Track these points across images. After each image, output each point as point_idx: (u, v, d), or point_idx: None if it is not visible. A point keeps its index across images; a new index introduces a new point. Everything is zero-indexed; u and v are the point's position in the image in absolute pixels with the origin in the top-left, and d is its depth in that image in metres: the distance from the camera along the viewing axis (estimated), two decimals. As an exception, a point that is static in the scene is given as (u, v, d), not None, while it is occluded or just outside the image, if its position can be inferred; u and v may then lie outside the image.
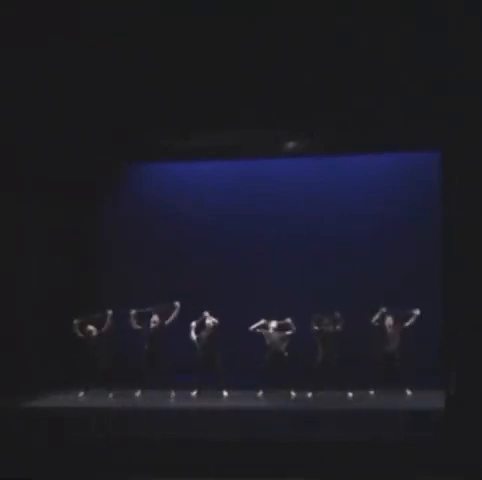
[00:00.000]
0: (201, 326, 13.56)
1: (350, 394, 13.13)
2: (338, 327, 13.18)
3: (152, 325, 13.62)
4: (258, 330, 13.45)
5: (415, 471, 8.92)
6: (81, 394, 13.67)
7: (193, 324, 13.49)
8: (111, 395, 13.55)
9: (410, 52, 10.98)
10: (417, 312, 13.05)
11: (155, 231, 15.85)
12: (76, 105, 12.17)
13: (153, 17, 11.11)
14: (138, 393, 13.59)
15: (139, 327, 13.69)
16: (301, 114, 12.30)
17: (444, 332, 10.71)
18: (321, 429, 10.89)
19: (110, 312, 13.88)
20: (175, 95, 11.96)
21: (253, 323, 13.55)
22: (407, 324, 13.12)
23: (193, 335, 13.41)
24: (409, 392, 13.04)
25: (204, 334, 13.47)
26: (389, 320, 13.30)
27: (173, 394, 13.42)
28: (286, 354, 13.33)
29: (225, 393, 13.37)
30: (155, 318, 13.64)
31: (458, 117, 10.31)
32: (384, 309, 13.29)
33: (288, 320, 13.39)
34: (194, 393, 13.48)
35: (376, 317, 13.33)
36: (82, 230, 16.08)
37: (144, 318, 13.71)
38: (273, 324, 13.44)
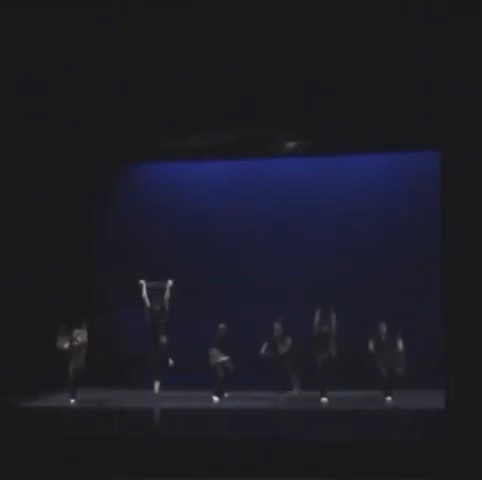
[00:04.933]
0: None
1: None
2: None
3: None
4: None
5: (416, 471, 8.92)
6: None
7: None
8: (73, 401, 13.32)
9: (410, 52, 10.98)
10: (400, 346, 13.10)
11: (154, 231, 15.85)
12: (76, 105, 12.17)
13: (151, 17, 11.09)
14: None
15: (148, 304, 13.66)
16: (301, 114, 12.31)
17: (444, 332, 10.68)
18: (321, 429, 10.90)
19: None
20: (174, 95, 11.97)
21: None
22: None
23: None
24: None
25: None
26: (382, 327, 13.29)
27: (156, 392, 13.39)
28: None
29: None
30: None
31: (458, 117, 10.30)
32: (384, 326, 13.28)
33: None
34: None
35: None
36: (82, 230, 16.09)
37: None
38: None
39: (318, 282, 14.89)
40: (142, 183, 16.23)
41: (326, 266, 15.06)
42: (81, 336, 13.47)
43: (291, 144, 14.77)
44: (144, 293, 13.69)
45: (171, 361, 13.28)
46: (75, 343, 13.34)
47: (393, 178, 15.28)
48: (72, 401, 13.27)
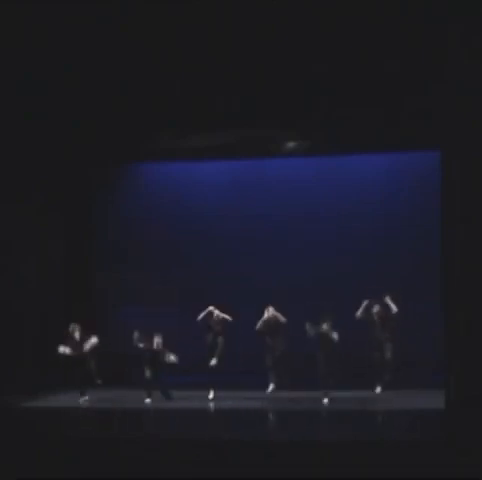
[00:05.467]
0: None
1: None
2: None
3: (155, 346, 13.42)
4: None
5: (416, 471, 8.91)
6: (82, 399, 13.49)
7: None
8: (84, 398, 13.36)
9: (410, 52, 10.98)
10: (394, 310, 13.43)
11: (154, 231, 15.86)
12: (76, 105, 12.18)
13: (151, 17, 11.10)
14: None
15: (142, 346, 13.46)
16: (301, 114, 12.31)
17: (444, 332, 10.69)
18: (321, 429, 10.90)
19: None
20: (174, 95, 11.97)
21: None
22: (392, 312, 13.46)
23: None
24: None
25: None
26: (376, 307, 13.51)
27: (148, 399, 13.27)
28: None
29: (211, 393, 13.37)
30: (158, 339, 13.54)
31: (458, 117, 10.30)
32: (366, 301, 13.50)
33: None
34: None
35: (360, 311, 13.47)
36: (82, 230, 16.09)
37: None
38: None
39: (318, 282, 14.90)
40: (142, 183, 16.24)
41: (326, 266, 15.06)
42: (83, 340, 13.36)
43: (291, 144, 14.76)
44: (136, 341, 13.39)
45: (172, 357, 13.21)
46: (78, 348, 13.24)
47: (393, 178, 15.29)
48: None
